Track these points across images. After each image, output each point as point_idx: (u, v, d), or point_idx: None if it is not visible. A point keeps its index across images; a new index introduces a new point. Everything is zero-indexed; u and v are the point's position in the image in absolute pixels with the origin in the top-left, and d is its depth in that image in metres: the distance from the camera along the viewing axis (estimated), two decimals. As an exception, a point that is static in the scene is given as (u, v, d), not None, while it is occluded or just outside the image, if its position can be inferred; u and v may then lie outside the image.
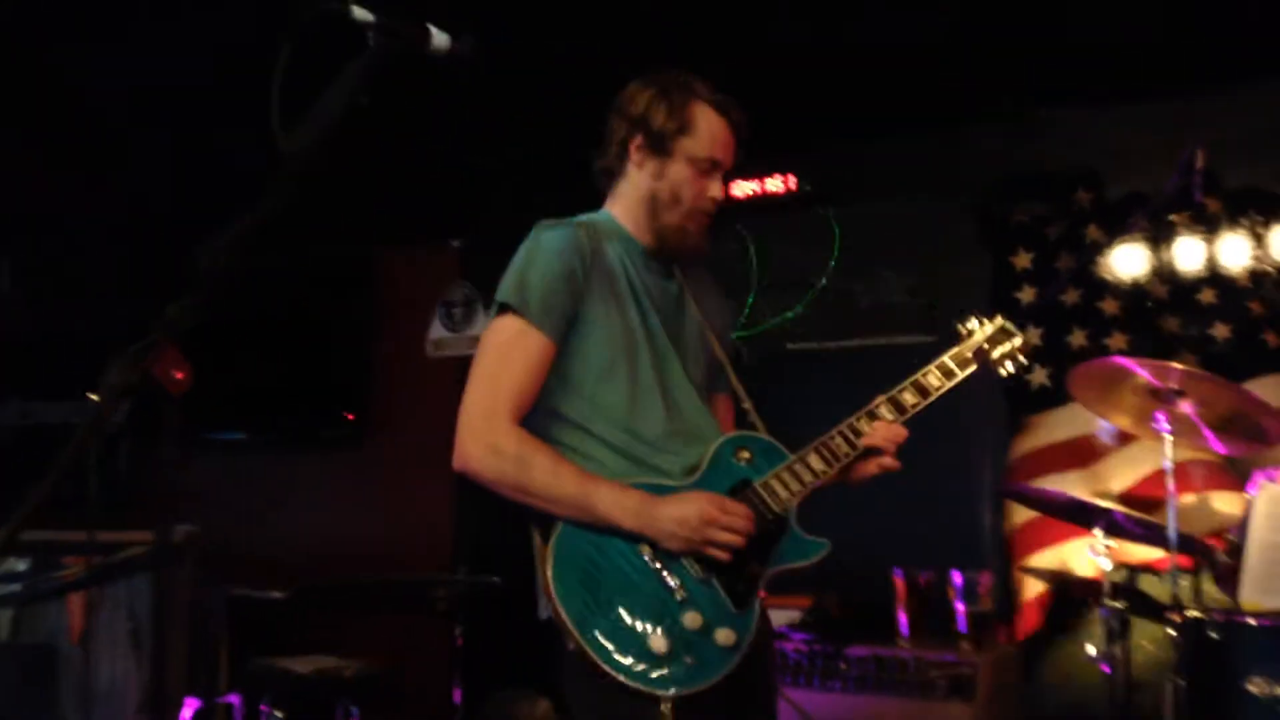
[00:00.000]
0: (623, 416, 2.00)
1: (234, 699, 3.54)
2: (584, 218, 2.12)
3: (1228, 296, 3.85)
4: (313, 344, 5.43)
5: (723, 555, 1.88)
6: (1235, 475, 3.67)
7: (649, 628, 1.84)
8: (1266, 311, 3.79)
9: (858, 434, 2.03)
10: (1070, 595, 3.80)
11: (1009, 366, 2.19)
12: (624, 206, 2.12)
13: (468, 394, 1.97)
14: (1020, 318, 4.07)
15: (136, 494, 4.73)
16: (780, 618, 3.75)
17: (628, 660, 1.82)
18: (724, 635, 1.86)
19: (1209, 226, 3.90)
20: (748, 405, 2.14)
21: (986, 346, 2.17)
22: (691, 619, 1.85)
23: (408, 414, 5.36)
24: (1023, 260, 4.21)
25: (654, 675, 1.81)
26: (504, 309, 1.99)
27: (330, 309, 5.43)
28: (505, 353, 1.97)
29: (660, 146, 2.05)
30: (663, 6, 3.68)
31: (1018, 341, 2.21)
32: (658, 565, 1.89)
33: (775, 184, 4.66)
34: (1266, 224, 3.82)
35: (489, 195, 5.17)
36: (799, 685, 3.29)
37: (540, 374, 1.97)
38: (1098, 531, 3.07)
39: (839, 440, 2.02)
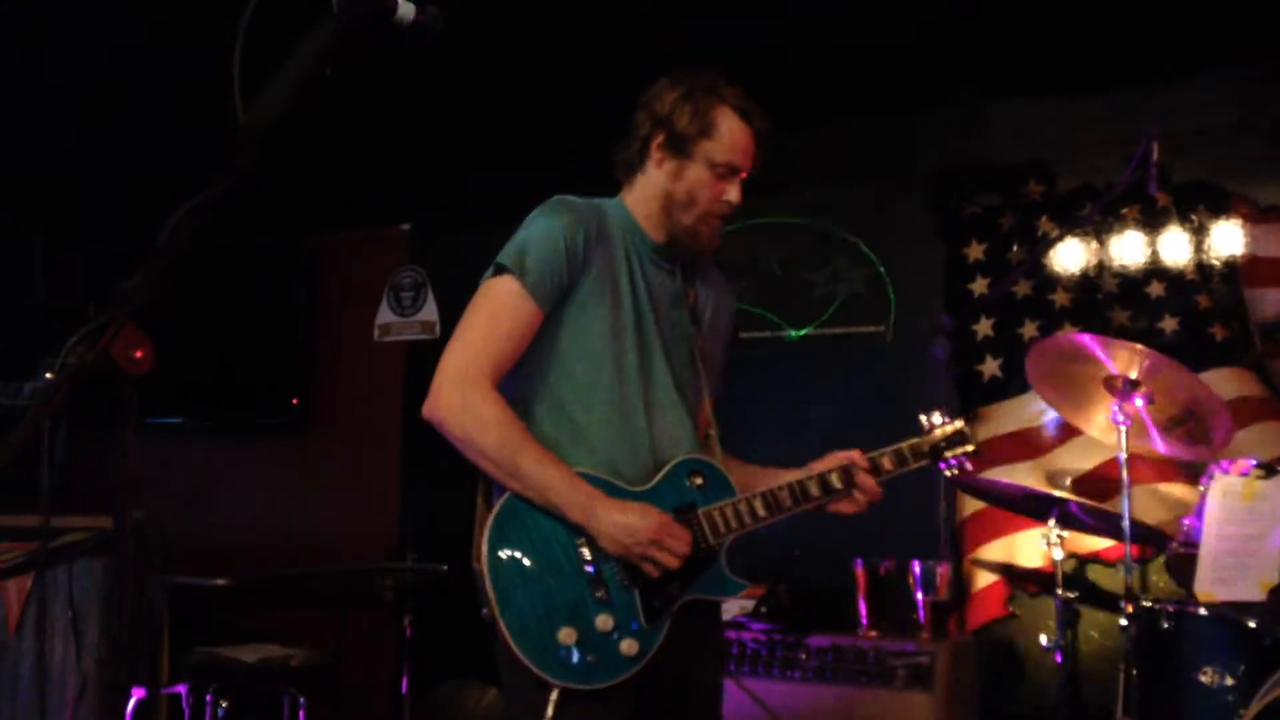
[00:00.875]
0: (600, 404, 2.03)
1: (181, 688, 3.45)
2: (598, 202, 2.14)
3: (1176, 289, 3.90)
4: (257, 328, 5.32)
5: (653, 572, 1.93)
6: (1181, 467, 3.72)
7: (564, 617, 1.90)
8: (1214, 305, 3.84)
9: (805, 494, 2.08)
10: (1022, 586, 3.84)
11: (954, 466, 2.25)
12: (639, 200, 2.14)
13: (451, 347, 1.99)
14: (973, 308, 4.14)
15: (73, 479, 4.58)
16: (732, 607, 3.74)
17: (533, 641, 1.88)
18: (628, 645, 1.91)
19: (1158, 220, 3.95)
20: (713, 433, 2.17)
21: (943, 445, 2.22)
22: (604, 621, 1.91)
23: (355, 400, 5.27)
24: (975, 251, 4.24)
25: (552, 663, 1.87)
26: (502, 270, 2.00)
27: (276, 292, 5.33)
28: (495, 314, 1.99)
29: (681, 147, 2.06)
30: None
31: (970, 448, 2.25)
32: (589, 561, 1.93)
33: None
34: (1214, 218, 3.88)
35: (439, 179, 5.10)
36: (757, 675, 3.28)
37: (525, 340, 2.00)
38: (1051, 522, 3.09)
39: (785, 494, 2.07)
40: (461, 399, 1.93)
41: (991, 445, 4.10)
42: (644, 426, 2.03)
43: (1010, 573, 3.66)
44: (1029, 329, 4.10)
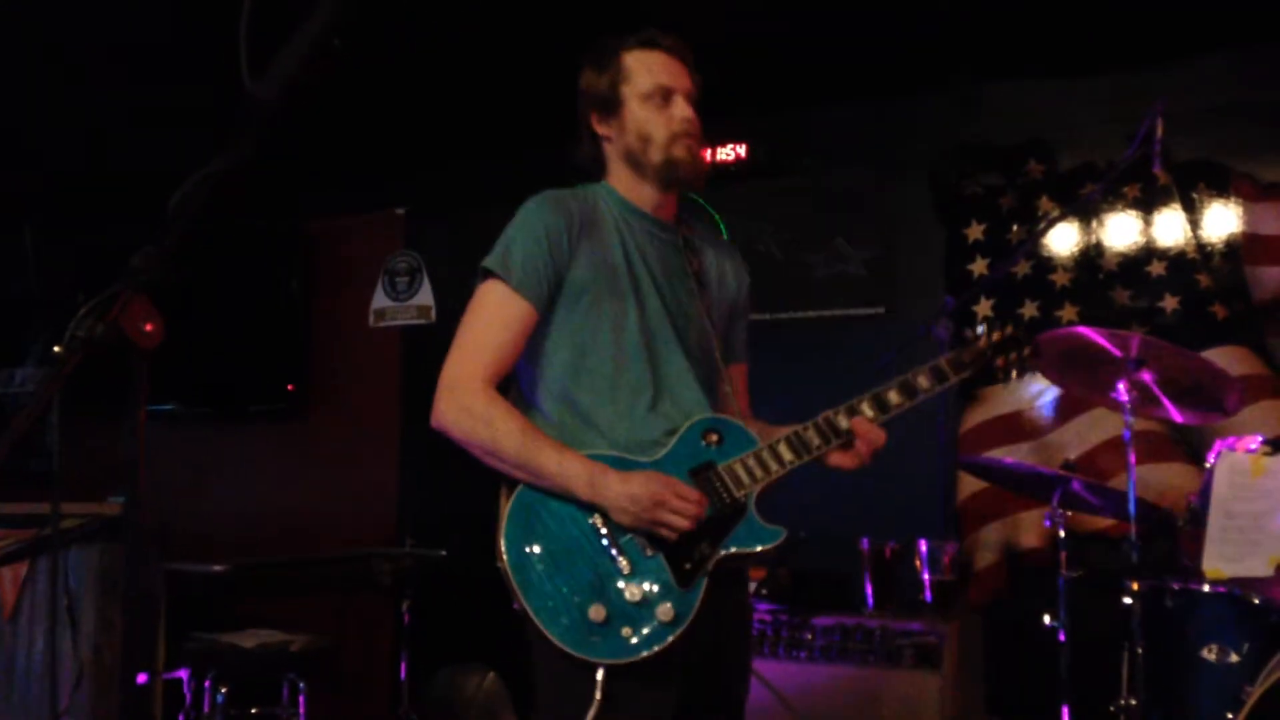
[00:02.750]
0: (604, 385, 2.02)
1: (182, 674, 3.44)
2: (588, 188, 2.14)
3: (1176, 269, 3.89)
4: (251, 313, 5.29)
5: (669, 535, 1.90)
6: (1182, 446, 3.73)
7: (590, 596, 1.88)
8: (1214, 284, 3.83)
9: (835, 429, 2.01)
10: (1024, 565, 3.84)
11: (1013, 373, 2.13)
12: (616, 176, 2.14)
13: (449, 356, 2.01)
14: (972, 288, 4.13)
15: (66, 465, 4.54)
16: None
17: (565, 625, 1.86)
18: (664, 611, 1.88)
19: (1159, 198, 3.94)
20: (728, 389, 2.13)
21: (990, 354, 2.11)
22: (633, 592, 1.88)
23: (351, 385, 5.24)
24: (975, 231, 4.22)
25: (589, 643, 1.85)
26: (487, 274, 2.02)
27: (271, 277, 5.29)
28: (487, 317, 2.01)
29: (610, 107, 2.09)
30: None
31: (1025, 351, 2.14)
32: (608, 536, 1.92)
33: (727, 153, 4.61)
34: (1215, 196, 3.87)
35: (435, 163, 5.06)
36: (764, 655, 3.27)
37: (520, 338, 2.01)
38: (1054, 501, 3.08)
39: (812, 433, 2.01)
40: (458, 403, 1.96)
41: (992, 426, 4.09)
42: (652, 400, 2.02)
43: (1011, 552, 3.65)
44: (1029, 309, 4.09)
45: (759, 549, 1.96)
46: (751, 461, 1.99)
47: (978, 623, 3.60)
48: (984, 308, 4.16)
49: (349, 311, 5.29)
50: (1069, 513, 3.10)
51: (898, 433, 4.13)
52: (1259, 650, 2.57)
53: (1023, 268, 4.10)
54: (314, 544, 4.92)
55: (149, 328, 1.06)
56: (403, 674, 4.20)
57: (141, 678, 3.15)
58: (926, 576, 3.40)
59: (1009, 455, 3.94)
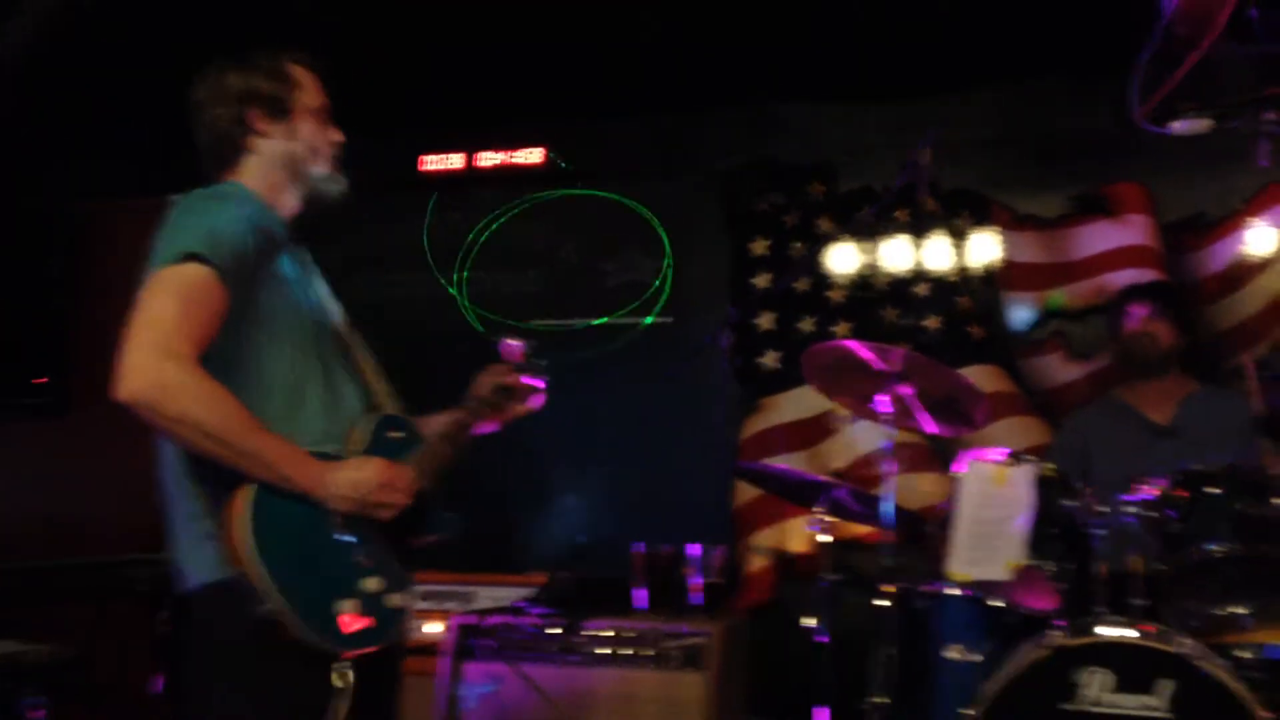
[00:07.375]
0: (295, 386, 2.02)
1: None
2: (220, 190, 2.09)
3: (940, 291, 4.14)
4: (7, 300, 4.90)
5: (387, 515, 1.98)
6: (938, 457, 3.95)
7: (341, 590, 1.93)
8: (973, 306, 4.09)
9: (468, 426, 2.26)
10: (791, 569, 3.98)
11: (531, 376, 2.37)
12: (256, 178, 2.13)
13: (144, 327, 1.88)
14: (755, 302, 4.27)
15: None
16: (515, 594, 3.72)
17: (321, 622, 1.88)
18: (395, 599, 2.01)
19: (926, 224, 4.17)
20: (379, 383, 2.20)
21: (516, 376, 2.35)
22: (374, 584, 1.97)
23: (117, 379, 4.93)
24: (760, 247, 4.36)
25: (343, 636, 1.91)
26: (192, 257, 1.92)
27: (30, 260, 4.92)
28: (193, 299, 1.90)
29: (281, 109, 2.13)
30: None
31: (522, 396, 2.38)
32: (345, 529, 1.96)
33: (525, 156, 4.61)
34: (977, 224, 4.13)
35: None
36: (535, 660, 3.26)
37: (215, 330, 1.92)
38: (820, 508, 3.20)
39: (455, 431, 2.22)
40: (174, 374, 1.83)
41: (769, 435, 4.24)
42: (335, 400, 2.07)
43: (780, 557, 3.77)
44: (807, 324, 4.25)
45: (445, 535, 2.14)
46: (428, 454, 2.12)
47: (743, 624, 3.71)
48: (765, 321, 4.31)
49: (120, 301, 4.97)
50: (833, 519, 3.23)
51: (683, 440, 4.23)
52: (999, 649, 2.74)
53: (802, 284, 4.27)
54: (73, 548, 4.60)
55: None
56: (159, 688, 3.98)
57: None
58: (698, 580, 3.48)
59: (785, 463, 4.08)
